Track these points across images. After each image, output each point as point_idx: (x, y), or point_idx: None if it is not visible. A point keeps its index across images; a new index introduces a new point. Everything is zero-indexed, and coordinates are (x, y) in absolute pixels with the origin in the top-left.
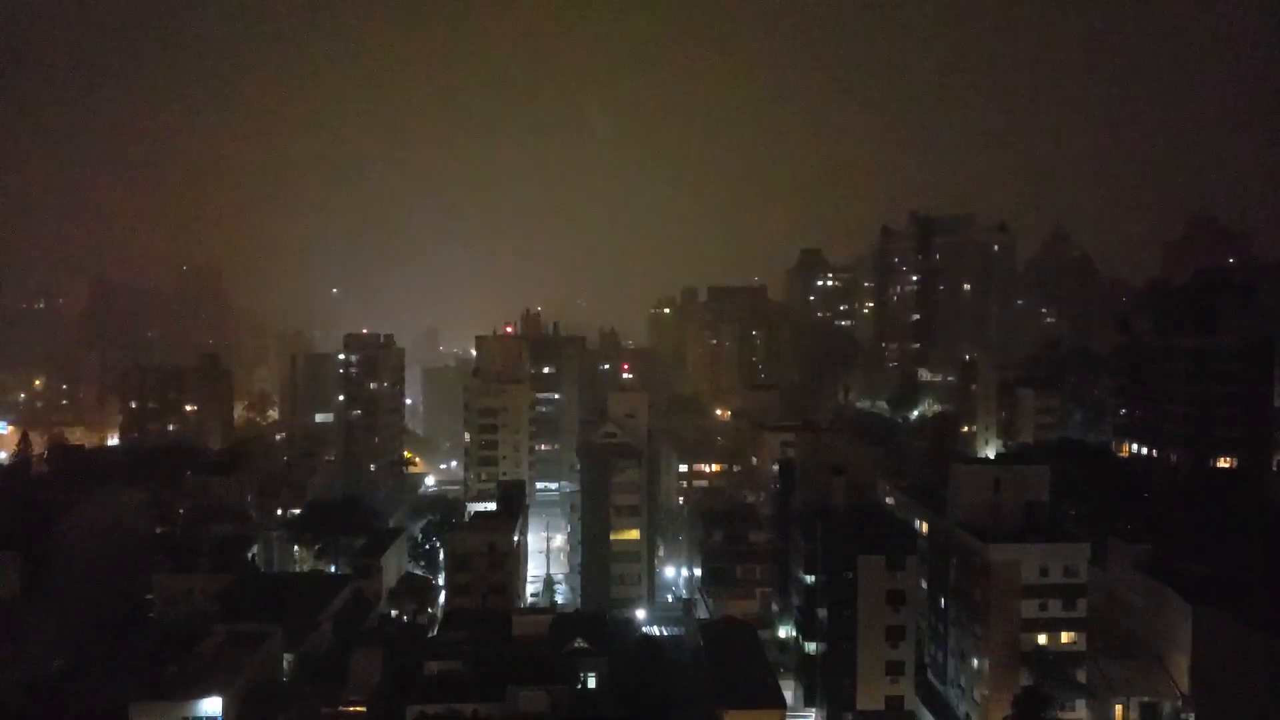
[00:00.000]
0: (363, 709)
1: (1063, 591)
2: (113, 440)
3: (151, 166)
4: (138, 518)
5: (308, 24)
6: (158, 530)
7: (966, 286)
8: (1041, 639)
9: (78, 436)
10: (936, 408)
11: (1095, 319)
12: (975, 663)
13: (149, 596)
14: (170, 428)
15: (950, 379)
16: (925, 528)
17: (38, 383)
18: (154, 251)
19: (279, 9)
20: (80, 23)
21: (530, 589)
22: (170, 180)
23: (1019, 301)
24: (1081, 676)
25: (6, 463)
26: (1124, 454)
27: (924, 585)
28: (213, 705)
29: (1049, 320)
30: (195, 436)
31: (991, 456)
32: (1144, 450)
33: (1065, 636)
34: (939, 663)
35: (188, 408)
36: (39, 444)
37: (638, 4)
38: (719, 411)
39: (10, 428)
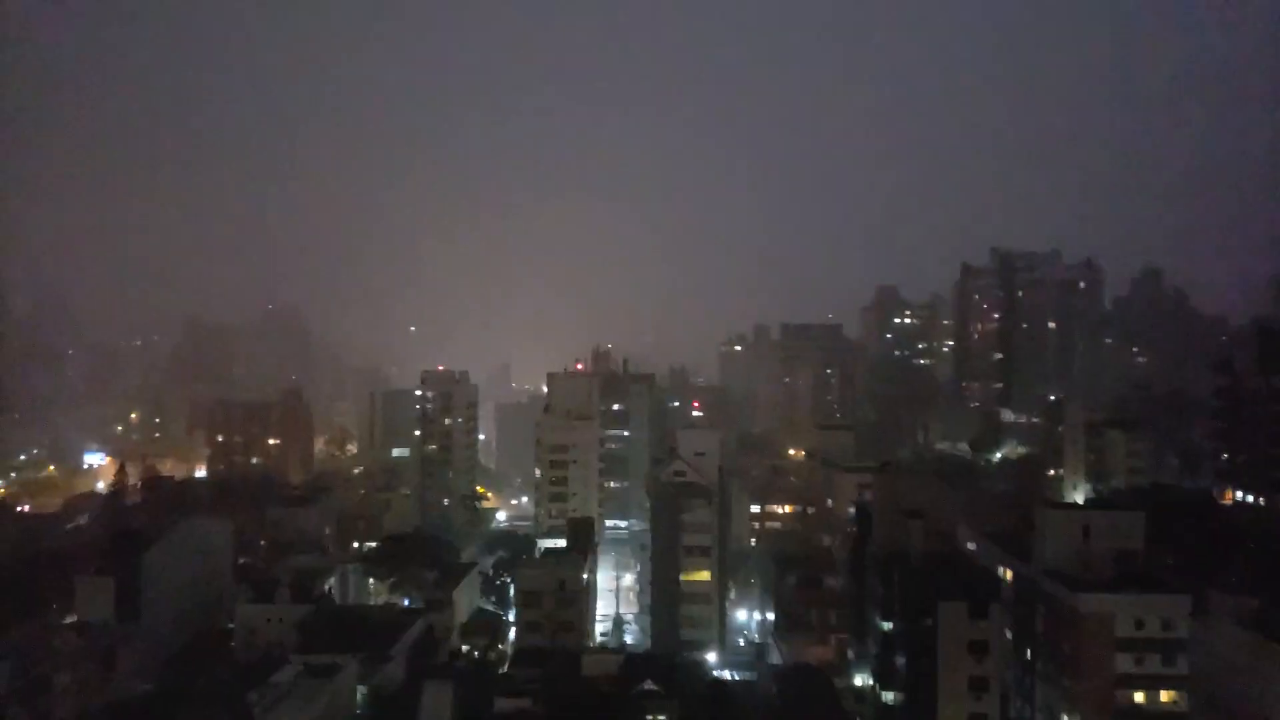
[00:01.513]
0: None
1: (1161, 646)
2: (200, 472)
3: (238, 211)
4: (222, 547)
5: (390, 70)
6: (240, 560)
7: (1051, 325)
8: (1138, 697)
9: (168, 468)
10: (1020, 450)
11: (1190, 359)
12: (1064, 719)
13: (231, 625)
14: (254, 461)
15: (1034, 420)
16: (1009, 575)
17: (133, 416)
18: (241, 292)
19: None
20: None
21: (599, 628)
22: (256, 224)
23: (1107, 340)
24: None
25: (105, 492)
26: (1226, 501)
27: (1008, 635)
28: None
29: (1140, 360)
30: (277, 469)
31: (1080, 501)
32: (1248, 497)
33: (1165, 695)
34: (1025, 717)
35: (270, 441)
36: (134, 474)
37: (712, 34)
38: (792, 451)
39: (109, 458)
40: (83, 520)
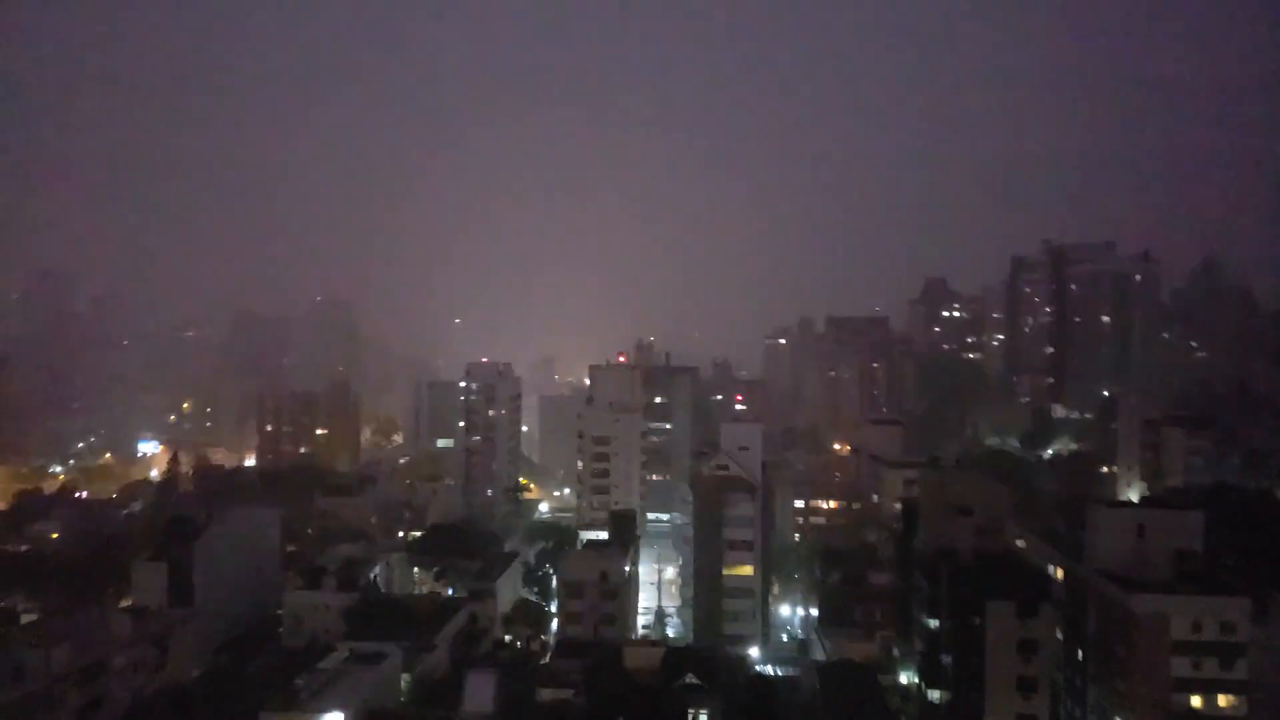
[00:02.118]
0: None
1: (1219, 650)
2: (250, 461)
3: (288, 204)
4: (271, 536)
5: (436, 66)
6: (288, 548)
7: (1105, 318)
8: (1195, 701)
9: (219, 457)
10: (1072, 446)
11: (1253, 354)
12: None
13: (279, 611)
14: (302, 450)
15: (1088, 416)
16: (1060, 574)
17: (185, 406)
18: (290, 284)
19: (408, 43)
20: (222, 67)
21: (641, 620)
22: (305, 217)
23: (1164, 335)
24: None
25: (158, 480)
26: None
27: (1059, 635)
28: None
29: (1199, 355)
30: (325, 459)
31: (1135, 500)
32: None
33: (1223, 700)
34: (1076, 718)
35: (319, 432)
36: (185, 463)
37: (758, 24)
38: (837, 446)
39: (162, 447)
40: (137, 507)
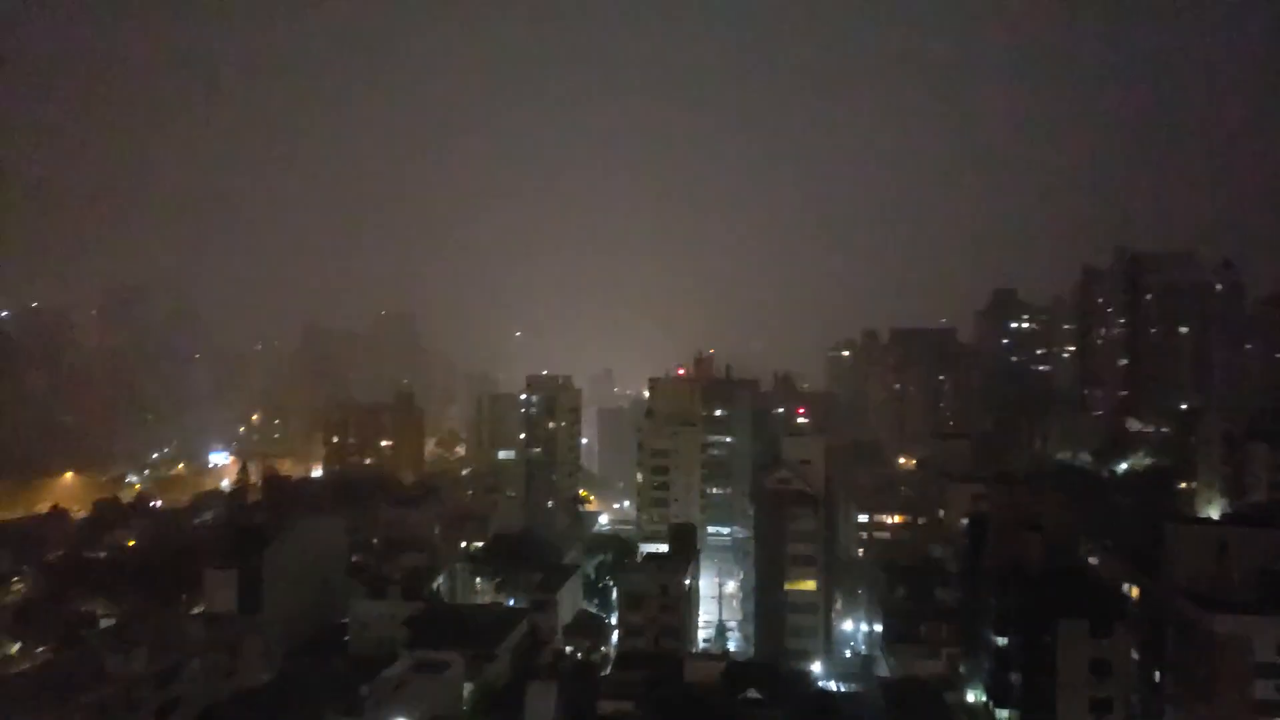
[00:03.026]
0: None
1: None
2: (317, 471)
3: (354, 219)
4: (337, 545)
5: (499, 80)
6: (354, 558)
7: (1184, 330)
8: None
9: (287, 467)
10: (1148, 461)
11: None
12: None
13: (345, 620)
14: (368, 461)
15: (1164, 430)
16: (1135, 592)
17: (255, 417)
18: (356, 298)
19: (473, 58)
20: (292, 93)
21: (702, 634)
22: (370, 232)
23: (1247, 346)
24: None
25: (228, 490)
26: None
27: (1134, 656)
28: None
29: None
30: (389, 470)
31: (1215, 517)
32: None
33: None
34: None
35: (384, 443)
36: (254, 473)
37: (816, 35)
38: (902, 460)
39: (232, 458)
40: (208, 516)
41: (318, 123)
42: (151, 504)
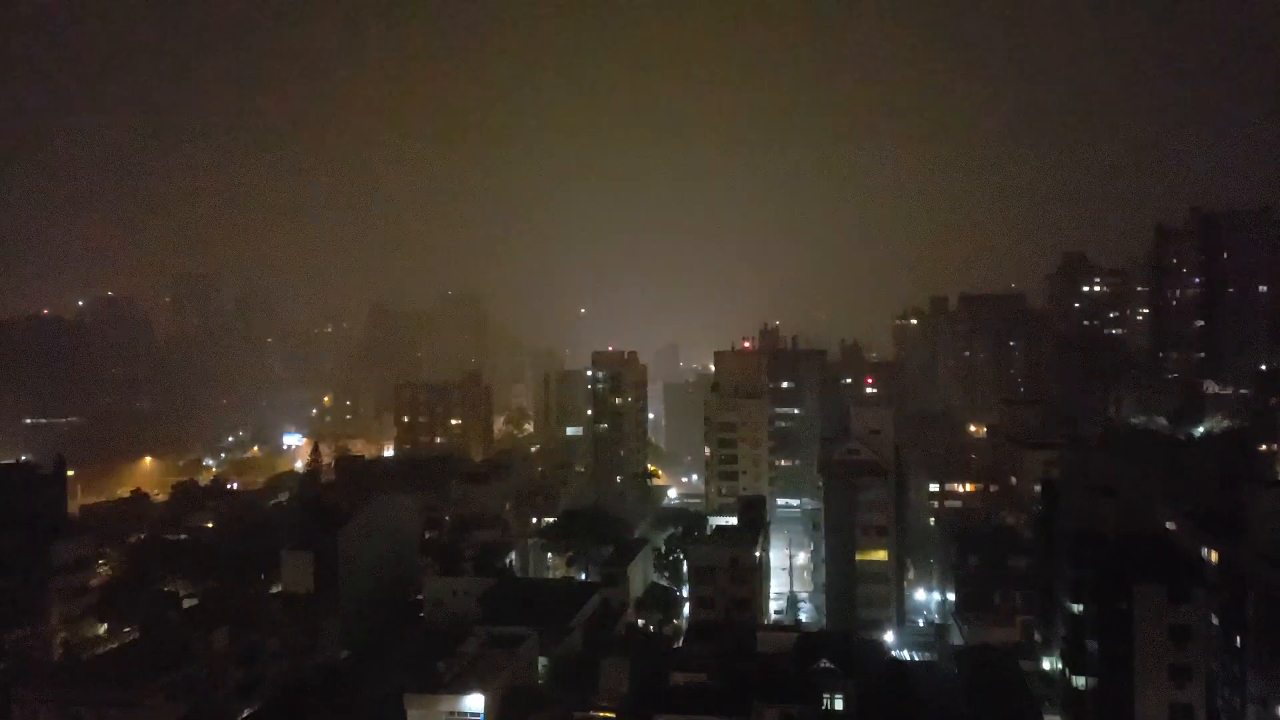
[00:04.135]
0: (612, 716)
1: None
2: (388, 451)
3: (420, 200)
4: (410, 523)
5: (559, 57)
6: (427, 535)
7: (1263, 288)
8: None
9: (359, 448)
10: (1226, 424)
11: None
12: None
13: (419, 597)
14: (438, 440)
15: (1244, 392)
16: (1215, 557)
17: (326, 399)
18: (423, 279)
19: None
20: (355, 76)
21: (773, 606)
22: (435, 213)
23: None
24: None
25: (302, 471)
26: None
27: (1214, 621)
28: (475, 702)
29: None
30: (459, 448)
31: None
32: None
33: None
34: (1235, 709)
35: (453, 422)
36: (327, 454)
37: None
38: (973, 428)
39: (305, 439)
40: (284, 498)
41: (385, 104)
42: (228, 486)
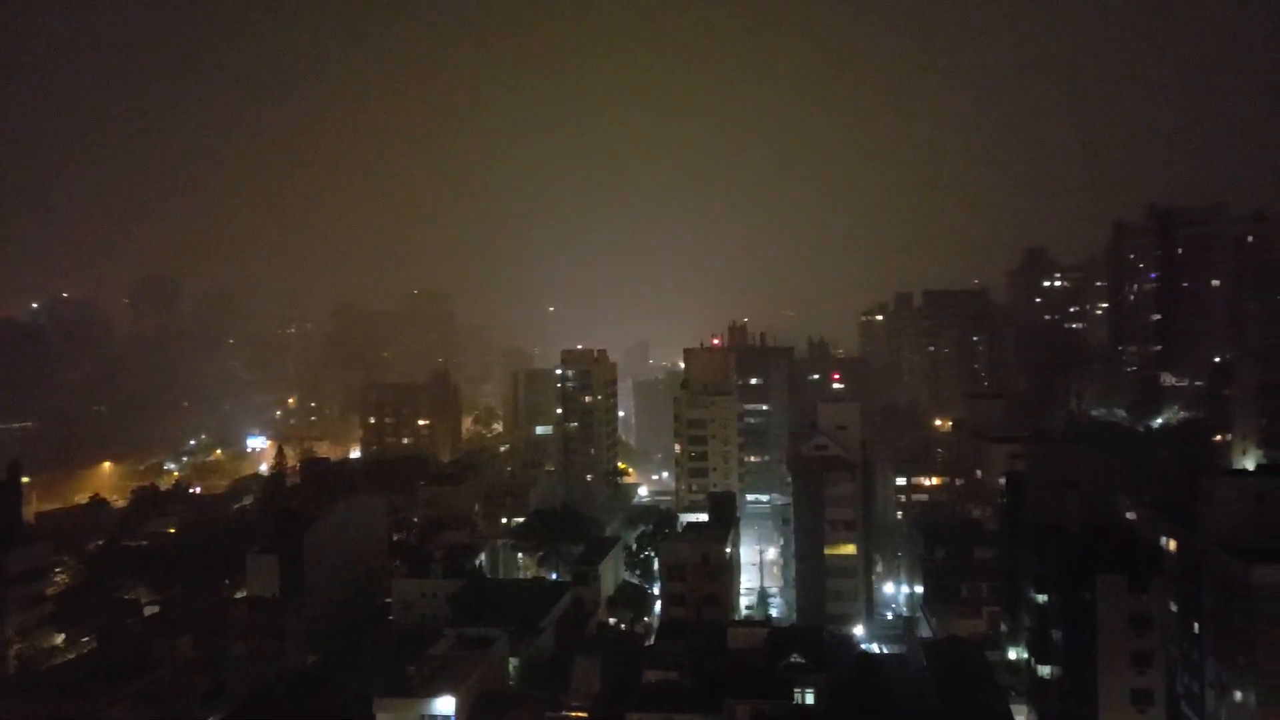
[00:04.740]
0: (584, 715)
1: None
2: (355, 453)
3: (385, 198)
4: (378, 525)
5: (528, 52)
6: (395, 537)
7: (1216, 283)
8: None
9: (324, 449)
10: (1183, 415)
11: None
12: (1238, 696)
13: (388, 599)
14: (405, 441)
15: (1199, 384)
16: (1173, 546)
17: (291, 401)
18: (388, 277)
19: (502, 35)
20: (321, 74)
21: (744, 601)
22: (402, 212)
23: None
24: None
25: (267, 474)
26: None
27: (1173, 609)
28: (446, 705)
29: None
30: (427, 449)
31: (1251, 468)
32: None
33: None
34: (1194, 694)
35: (420, 422)
36: (292, 457)
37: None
38: (938, 422)
39: (269, 442)
40: (248, 501)
41: (347, 100)
42: (190, 491)
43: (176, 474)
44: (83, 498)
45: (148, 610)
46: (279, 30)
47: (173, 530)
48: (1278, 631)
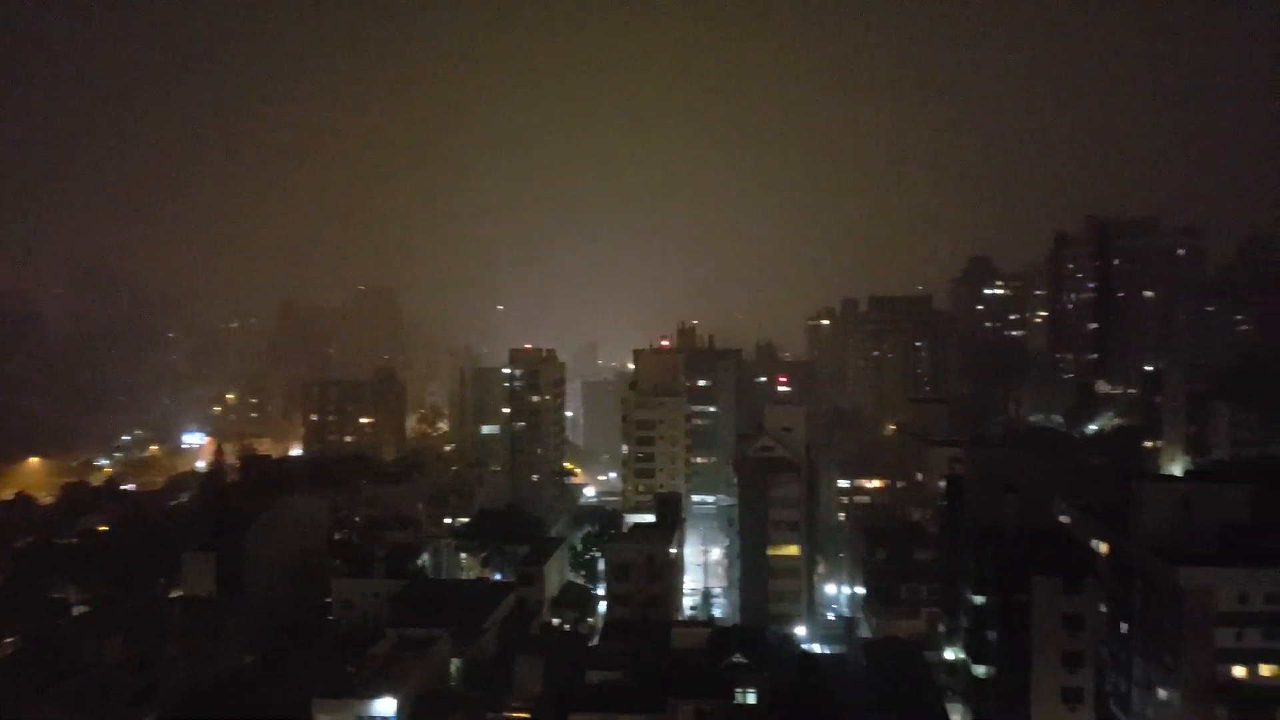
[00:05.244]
0: (526, 716)
1: (1264, 621)
2: (296, 450)
3: (330, 193)
4: (319, 524)
5: (474, 48)
6: (336, 536)
7: (1149, 294)
8: (1239, 672)
9: (265, 447)
10: (1117, 422)
11: None
12: (1163, 694)
13: (328, 599)
14: (348, 439)
15: (1132, 391)
16: (1105, 548)
17: (230, 397)
18: (334, 273)
19: (449, 31)
20: (265, 67)
21: (688, 602)
22: (347, 206)
23: (1209, 309)
24: None
25: (205, 471)
26: None
27: (1104, 610)
28: (387, 706)
29: (1244, 329)
30: (371, 447)
31: (1179, 474)
32: None
33: (1266, 669)
34: (1122, 692)
35: (364, 420)
36: (232, 454)
37: (790, 9)
38: (882, 426)
39: (208, 438)
40: (184, 498)
41: (292, 95)
42: (124, 487)
43: (109, 470)
44: (8, 494)
45: (77, 610)
46: (217, 23)
47: (104, 528)
48: (1202, 632)
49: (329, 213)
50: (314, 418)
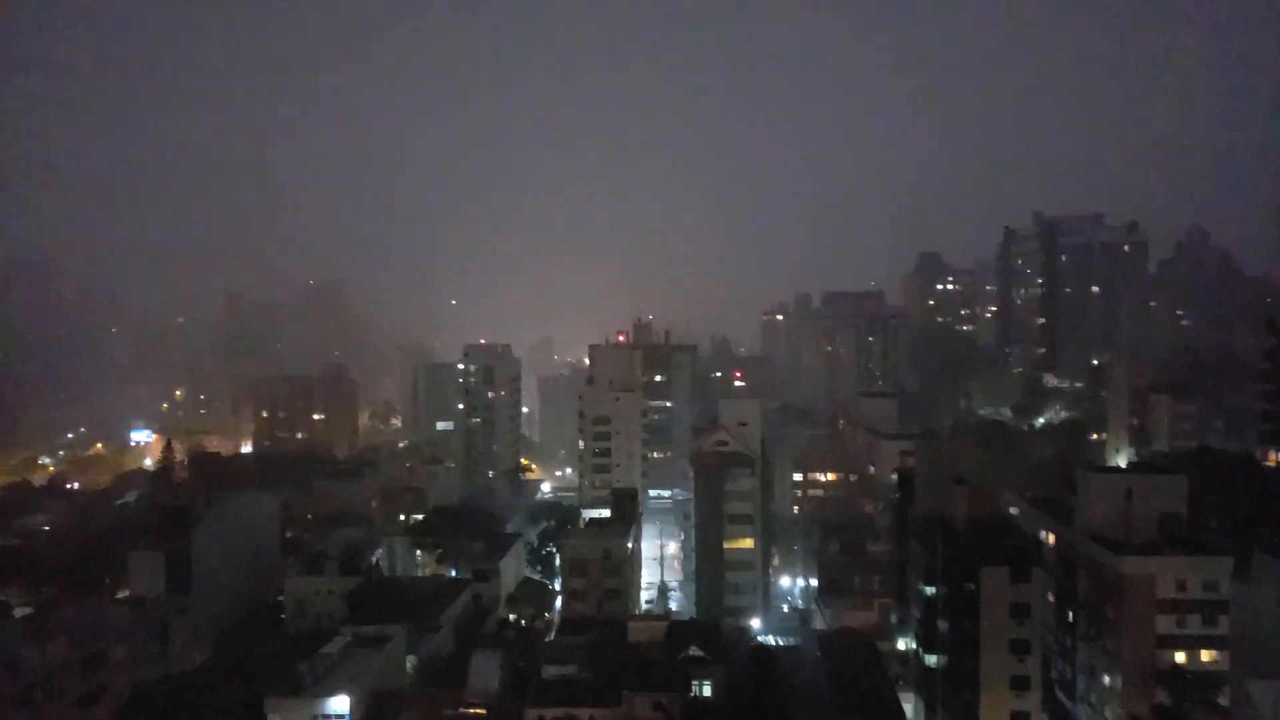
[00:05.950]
0: (482, 712)
1: (1202, 607)
2: (246, 448)
3: (279, 186)
4: (270, 522)
5: (424, 44)
6: (288, 534)
7: (1095, 289)
8: (1179, 657)
9: (214, 444)
10: (1063, 415)
11: (1237, 321)
12: (1106, 680)
13: (280, 598)
14: (299, 436)
15: (1078, 385)
16: (1051, 539)
17: (178, 393)
18: (282, 267)
19: (400, 33)
20: (209, 62)
21: (645, 596)
22: (296, 199)
23: (1152, 304)
24: (1224, 698)
25: (152, 469)
26: (1271, 464)
27: (1050, 598)
28: (341, 704)
29: (1185, 323)
30: (323, 444)
31: (1123, 465)
32: None
33: (1205, 655)
34: (1067, 679)
35: (316, 417)
36: (180, 451)
37: (745, 10)
38: (835, 420)
39: (155, 435)
40: (131, 497)
41: (241, 89)
42: (67, 486)
43: (51, 469)
44: None
45: (19, 612)
46: (162, 15)
47: (47, 528)
48: (1143, 619)
49: (276, 206)
50: (264, 414)
